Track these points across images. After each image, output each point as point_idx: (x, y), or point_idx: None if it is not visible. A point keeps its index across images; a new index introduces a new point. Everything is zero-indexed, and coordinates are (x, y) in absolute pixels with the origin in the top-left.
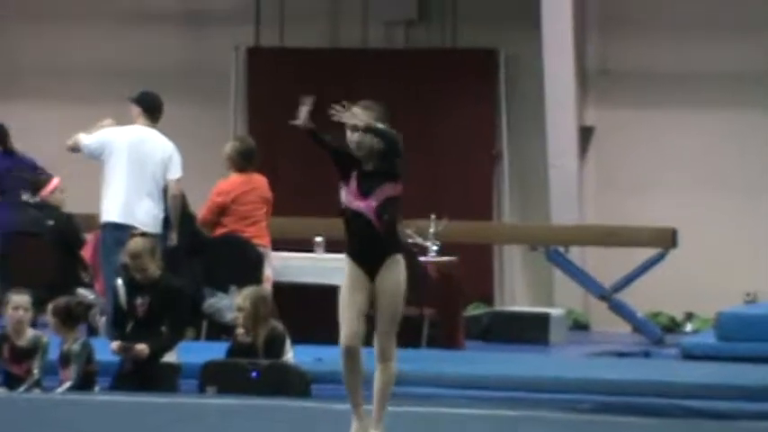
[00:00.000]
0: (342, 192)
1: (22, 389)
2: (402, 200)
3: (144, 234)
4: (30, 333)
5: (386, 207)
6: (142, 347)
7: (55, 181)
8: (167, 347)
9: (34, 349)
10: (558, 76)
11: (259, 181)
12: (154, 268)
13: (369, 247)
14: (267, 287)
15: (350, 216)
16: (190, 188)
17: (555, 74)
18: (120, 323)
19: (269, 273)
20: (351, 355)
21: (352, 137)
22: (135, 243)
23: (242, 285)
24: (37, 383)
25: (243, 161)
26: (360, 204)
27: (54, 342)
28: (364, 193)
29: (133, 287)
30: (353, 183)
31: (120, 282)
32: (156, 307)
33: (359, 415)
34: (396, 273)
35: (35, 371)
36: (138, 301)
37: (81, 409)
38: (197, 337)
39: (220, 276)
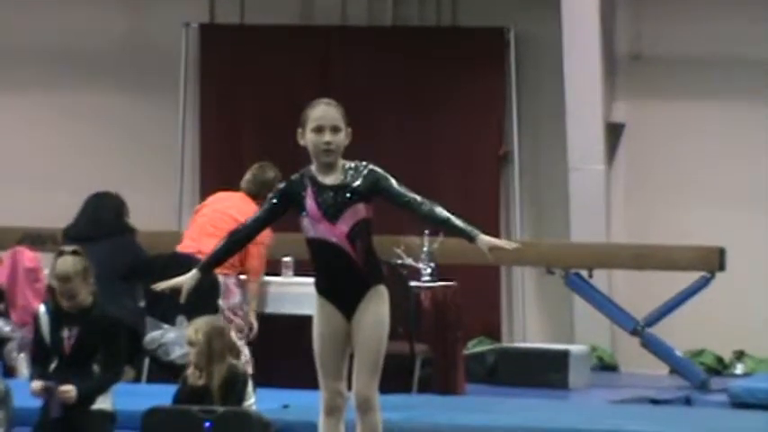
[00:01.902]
0: (302, 219)
1: None
2: (373, 221)
3: (75, 252)
4: None
5: (359, 231)
6: (68, 389)
7: None
8: (100, 390)
9: None
10: (581, 60)
11: (227, 198)
12: (85, 294)
13: (344, 281)
14: (237, 320)
15: (316, 246)
16: (129, 191)
17: (577, 58)
18: (41, 360)
19: (253, 305)
20: (334, 417)
21: (321, 137)
22: (64, 262)
23: (192, 316)
24: None
25: (252, 187)
26: (326, 231)
27: None
28: (329, 216)
29: (59, 317)
30: (311, 203)
31: (42, 309)
32: (87, 341)
33: None
34: (377, 307)
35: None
36: (65, 333)
37: None
38: (137, 379)
39: (166, 304)
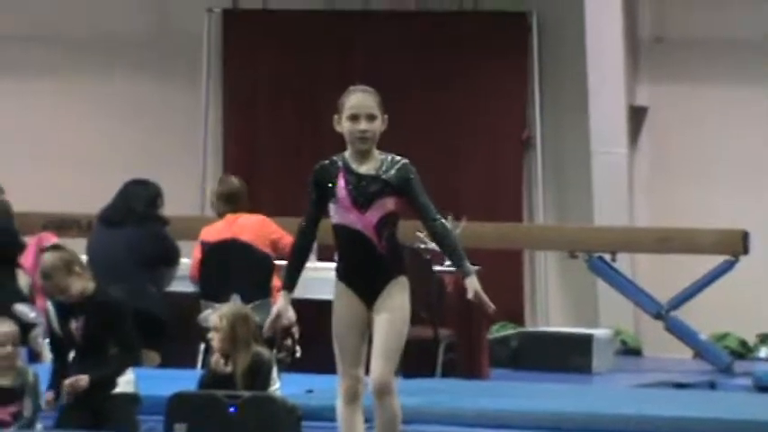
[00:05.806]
0: (330, 204)
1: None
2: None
3: (55, 247)
4: (15, 369)
5: (386, 223)
6: (77, 379)
7: None
8: (115, 373)
9: (21, 389)
10: (604, 44)
11: (244, 225)
12: (78, 284)
13: (367, 270)
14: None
15: (342, 233)
16: (153, 175)
17: (599, 42)
18: (58, 352)
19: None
20: (353, 403)
21: (357, 125)
22: (43, 260)
23: (246, 294)
24: (29, 425)
25: (224, 205)
26: (355, 219)
27: None
28: (360, 204)
29: (65, 309)
30: (342, 190)
31: (50, 304)
32: (94, 328)
33: None
34: (398, 296)
35: (26, 412)
36: (73, 324)
37: None
38: (163, 363)
39: (218, 285)
